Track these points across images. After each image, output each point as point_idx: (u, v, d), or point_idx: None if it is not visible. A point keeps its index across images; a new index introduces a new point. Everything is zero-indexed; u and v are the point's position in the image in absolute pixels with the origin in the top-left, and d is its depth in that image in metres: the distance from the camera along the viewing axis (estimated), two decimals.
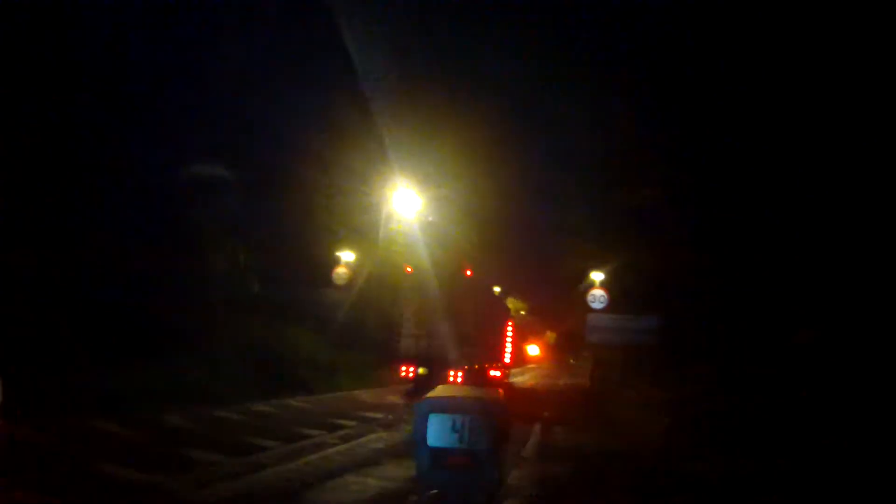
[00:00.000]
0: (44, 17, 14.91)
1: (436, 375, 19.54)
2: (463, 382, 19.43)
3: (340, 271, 27.20)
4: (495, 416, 1.76)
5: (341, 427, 14.41)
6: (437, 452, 1.76)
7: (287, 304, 23.74)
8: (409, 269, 23.84)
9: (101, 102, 17.30)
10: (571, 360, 48.06)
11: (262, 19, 22.01)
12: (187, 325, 17.21)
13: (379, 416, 16.99)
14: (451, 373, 20.05)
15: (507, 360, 24.94)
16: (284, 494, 8.65)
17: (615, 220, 24.87)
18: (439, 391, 1.97)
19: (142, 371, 14.18)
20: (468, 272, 24.62)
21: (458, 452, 1.76)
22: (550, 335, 72.87)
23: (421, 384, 19.91)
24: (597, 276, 25.24)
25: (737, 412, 13.77)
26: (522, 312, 65.55)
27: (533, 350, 76.69)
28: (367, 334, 30.22)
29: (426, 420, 1.80)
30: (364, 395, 21.41)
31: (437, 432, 1.84)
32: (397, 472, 10.71)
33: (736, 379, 15.91)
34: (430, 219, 33.17)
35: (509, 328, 25.39)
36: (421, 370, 21.08)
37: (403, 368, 21.68)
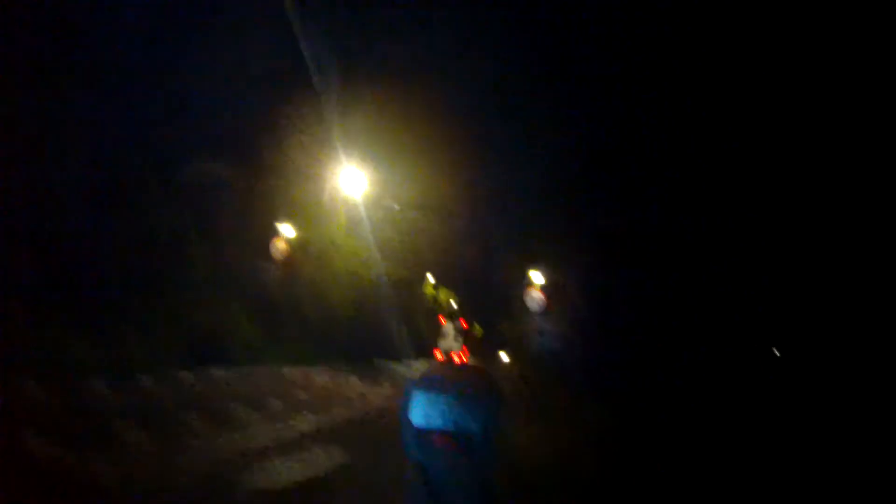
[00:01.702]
0: None
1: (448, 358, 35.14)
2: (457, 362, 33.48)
3: (278, 244, 26.47)
4: (486, 398, 1.52)
5: (268, 406, 13.91)
6: (422, 433, 1.55)
7: (223, 273, 22.96)
8: (442, 319, 38.37)
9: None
10: (505, 358, 48.54)
11: None
12: (115, 281, 16.44)
13: (306, 396, 16.60)
14: (456, 357, 34.03)
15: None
16: (208, 478, 8.14)
17: (561, 223, 24.95)
18: (430, 370, 1.71)
19: (67, 330, 13.36)
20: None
21: (445, 434, 1.57)
22: (478, 329, 72.97)
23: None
24: (536, 276, 25.24)
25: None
26: (454, 304, 65.61)
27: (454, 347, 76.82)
28: (300, 310, 29.72)
29: (412, 399, 1.57)
30: (292, 373, 20.87)
31: (423, 412, 1.63)
32: (325, 460, 10.36)
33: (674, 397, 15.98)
34: (397, 207, 33.37)
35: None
36: (443, 355, 34.28)
37: (438, 354, 33.34)
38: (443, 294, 63.09)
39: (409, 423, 1.66)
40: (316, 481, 8.94)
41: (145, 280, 17.58)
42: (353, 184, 30.03)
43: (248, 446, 10.13)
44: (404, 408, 1.61)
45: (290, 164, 27.27)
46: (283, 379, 19.13)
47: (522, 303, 24.38)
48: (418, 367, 40.09)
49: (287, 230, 27.03)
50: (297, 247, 27.97)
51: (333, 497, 8.41)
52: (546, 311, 23.47)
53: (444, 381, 1.56)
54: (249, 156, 24.85)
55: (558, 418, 20.20)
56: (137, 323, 16.09)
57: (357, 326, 34.75)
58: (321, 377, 21.77)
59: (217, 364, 17.44)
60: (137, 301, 16.74)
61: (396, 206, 33.24)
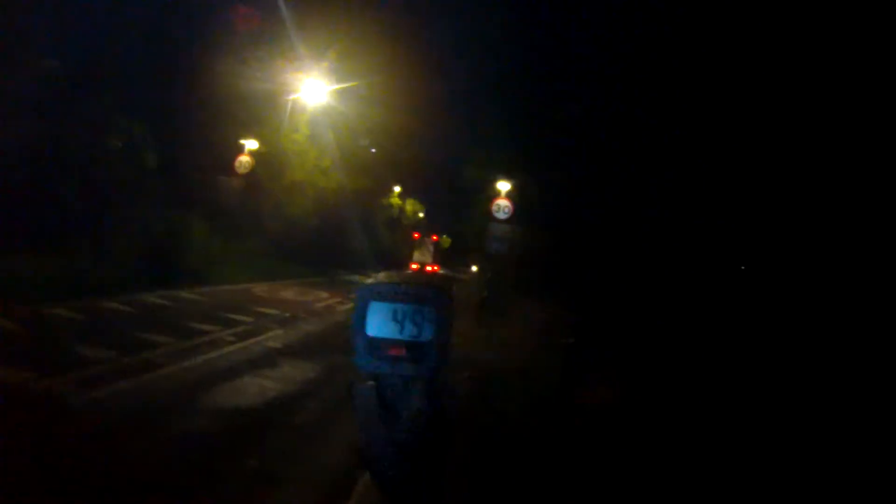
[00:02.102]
0: None
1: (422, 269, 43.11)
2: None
3: (244, 160, 26.19)
4: (439, 307, 1.56)
5: (237, 323, 14.03)
6: (375, 342, 1.58)
7: (183, 190, 22.68)
8: (416, 235, 51.40)
9: None
10: (474, 268, 49.43)
11: None
12: (76, 206, 16.20)
13: (274, 311, 16.75)
14: (429, 267, 45.10)
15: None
16: (178, 398, 8.27)
17: (528, 132, 24.87)
18: (382, 277, 1.71)
19: (25, 257, 13.17)
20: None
21: (397, 343, 1.59)
22: (446, 240, 73.65)
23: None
24: (503, 185, 25.16)
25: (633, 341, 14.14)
26: (420, 215, 65.63)
27: (428, 250, 77.57)
28: (263, 225, 29.64)
29: (366, 308, 1.60)
30: (258, 288, 20.99)
31: (377, 321, 1.65)
32: (294, 375, 10.58)
33: (635, 306, 16.32)
34: (373, 150, 33.13)
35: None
36: (418, 266, 44.68)
37: (414, 266, 45.18)
38: (409, 205, 63.04)
39: (362, 332, 1.69)
40: (286, 397, 9.16)
41: (104, 200, 17.37)
42: (314, 94, 29.69)
43: (217, 365, 10.28)
44: (357, 316, 1.63)
45: (252, 78, 26.80)
46: (250, 295, 19.25)
47: (489, 211, 24.39)
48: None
49: (251, 144, 26.74)
50: (259, 160, 27.71)
51: (305, 411, 8.65)
52: (512, 217, 23.49)
53: (398, 288, 1.58)
54: (210, 70, 24.33)
55: (524, 324, 20.65)
56: (98, 245, 15.96)
57: (320, 237, 34.76)
58: (287, 291, 21.94)
59: (185, 284, 17.46)
60: (97, 223, 16.57)
61: (363, 141, 33.02)
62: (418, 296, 1.38)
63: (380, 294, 1.43)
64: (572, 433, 8.51)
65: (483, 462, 6.47)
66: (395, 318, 1.47)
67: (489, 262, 26.63)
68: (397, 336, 1.47)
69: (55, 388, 7.46)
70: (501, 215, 23.22)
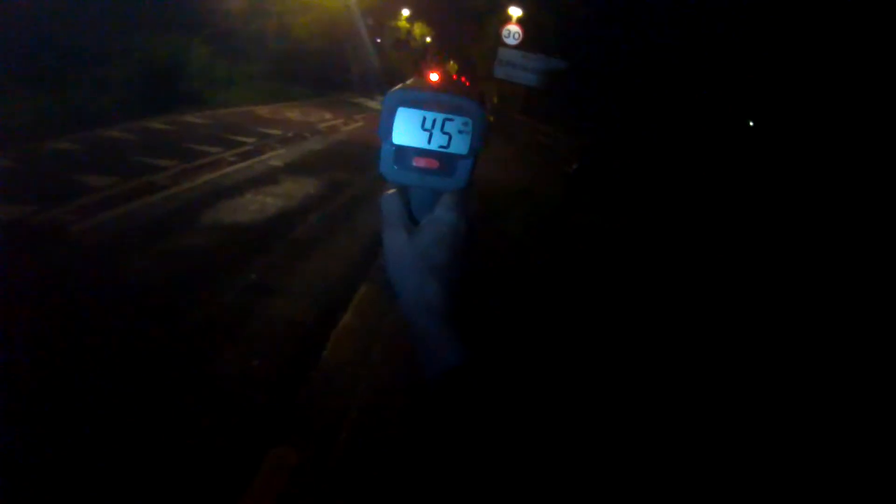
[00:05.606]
0: None
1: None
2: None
3: None
4: (473, 118, 1.43)
5: (239, 144, 13.96)
6: (401, 151, 1.48)
7: (183, 13, 21.83)
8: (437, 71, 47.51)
9: None
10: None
11: None
12: (70, 35, 15.60)
13: (276, 132, 16.64)
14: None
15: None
16: (180, 217, 8.30)
17: None
18: (413, 83, 1.58)
19: (22, 95, 12.65)
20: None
21: (425, 153, 1.47)
22: (453, 65, 72.19)
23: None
24: (514, 10, 24.41)
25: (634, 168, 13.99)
26: (428, 39, 64.16)
27: (434, 77, 76.49)
28: (267, 47, 28.94)
29: (393, 114, 1.47)
30: (261, 110, 20.71)
31: (405, 129, 1.53)
32: (296, 191, 10.64)
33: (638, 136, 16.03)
34: None
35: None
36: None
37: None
38: (417, 28, 61.45)
39: (389, 140, 1.58)
40: (287, 212, 9.23)
41: (102, 27, 16.80)
42: None
43: (219, 184, 10.29)
44: (384, 124, 1.51)
45: None
46: (253, 116, 19.01)
47: (498, 36, 23.78)
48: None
49: None
50: None
51: (305, 226, 8.70)
52: (522, 44, 22.92)
53: (431, 96, 1.47)
54: None
55: (529, 148, 20.56)
56: (98, 75, 15.47)
57: (326, 59, 33.99)
58: (291, 112, 21.67)
59: (187, 107, 17.13)
60: (95, 52, 16.05)
61: None
62: (451, 105, 1.27)
63: (409, 100, 1.33)
64: (573, 258, 8.58)
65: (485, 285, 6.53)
66: (423, 127, 1.37)
67: (497, 85, 26.21)
68: (425, 146, 1.36)
69: (58, 218, 7.37)
70: (511, 41, 22.65)
